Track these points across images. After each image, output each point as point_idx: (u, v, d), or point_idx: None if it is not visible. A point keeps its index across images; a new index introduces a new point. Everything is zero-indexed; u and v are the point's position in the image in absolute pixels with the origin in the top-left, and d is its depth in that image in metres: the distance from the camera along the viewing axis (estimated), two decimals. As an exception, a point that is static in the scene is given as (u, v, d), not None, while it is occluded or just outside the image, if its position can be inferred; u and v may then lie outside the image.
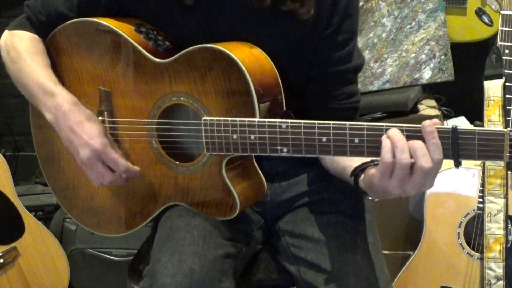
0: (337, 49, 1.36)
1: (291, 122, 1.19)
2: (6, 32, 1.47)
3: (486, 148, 1.08)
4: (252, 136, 1.22)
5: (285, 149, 1.21)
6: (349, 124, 1.15)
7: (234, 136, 1.24)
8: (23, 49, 1.41)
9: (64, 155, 1.48)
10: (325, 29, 1.34)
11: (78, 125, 1.33)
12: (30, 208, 2.30)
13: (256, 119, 1.22)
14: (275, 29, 1.34)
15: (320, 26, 1.34)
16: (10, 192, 2.19)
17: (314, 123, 1.17)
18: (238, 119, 1.23)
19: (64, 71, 1.44)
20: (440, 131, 1.09)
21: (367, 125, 1.14)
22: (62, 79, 1.43)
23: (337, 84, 1.39)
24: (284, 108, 1.31)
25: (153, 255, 1.33)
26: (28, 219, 2.22)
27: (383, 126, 1.13)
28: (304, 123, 1.18)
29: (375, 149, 1.14)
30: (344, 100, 1.39)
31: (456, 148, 1.09)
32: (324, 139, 1.17)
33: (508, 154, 1.07)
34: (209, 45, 1.26)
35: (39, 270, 2.23)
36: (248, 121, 1.22)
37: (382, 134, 1.12)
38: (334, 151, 1.17)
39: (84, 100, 1.40)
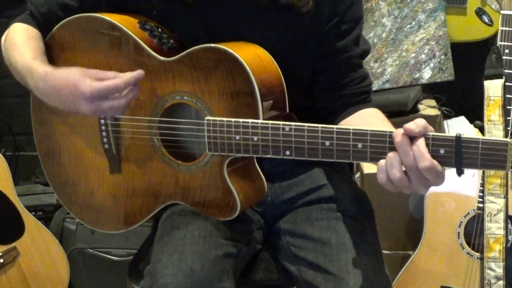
0: (343, 37, 1.37)
1: (294, 125, 1.19)
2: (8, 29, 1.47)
3: (489, 157, 1.07)
4: (255, 138, 1.22)
5: (287, 152, 1.20)
6: (353, 129, 1.15)
7: (237, 137, 1.24)
8: (17, 36, 1.40)
9: (65, 151, 1.48)
10: (329, 20, 1.35)
11: (59, 90, 1.28)
12: (30, 208, 2.30)
13: (260, 121, 1.22)
14: (276, 23, 1.35)
15: (322, 17, 1.35)
16: (10, 192, 2.19)
17: (318, 127, 1.17)
18: (241, 120, 1.23)
19: (67, 66, 1.44)
20: (444, 139, 1.09)
21: (370, 130, 1.14)
22: None
23: (348, 71, 1.39)
24: (287, 110, 1.31)
25: (153, 255, 1.33)
26: (28, 219, 2.22)
27: (386, 132, 1.13)
28: (307, 126, 1.18)
29: (378, 155, 1.14)
30: (357, 85, 1.40)
31: (459, 156, 1.08)
32: (327, 143, 1.17)
33: (511, 165, 1.07)
34: (213, 44, 1.26)
35: (39, 270, 2.23)
36: (251, 122, 1.22)
37: (386, 140, 1.13)
38: (337, 155, 1.17)
39: None
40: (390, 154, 1.12)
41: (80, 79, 1.26)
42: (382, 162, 1.13)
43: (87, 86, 1.25)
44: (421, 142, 1.09)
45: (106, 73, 1.29)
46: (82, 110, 1.27)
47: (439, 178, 1.11)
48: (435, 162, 1.09)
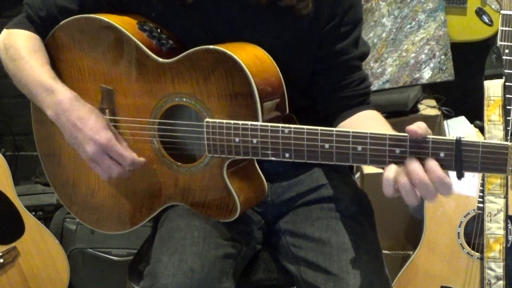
0: (342, 39, 1.37)
1: (294, 128, 1.19)
2: (4, 31, 1.46)
3: (489, 161, 1.07)
4: (254, 140, 1.22)
5: (287, 154, 1.20)
6: (352, 132, 1.15)
7: (236, 139, 1.24)
8: (22, 47, 1.41)
9: (65, 151, 1.48)
10: (328, 22, 1.35)
11: (80, 121, 1.32)
12: (30, 208, 2.30)
13: (259, 123, 1.22)
14: (275, 25, 1.35)
15: (322, 19, 1.34)
16: (10, 192, 2.19)
17: (317, 130, 1.17)
18: (240, 122, 1.23)
19: (66, 67, 1.44)
20: (444, 142, 1.09)
21: (370, 133, 1.14)
22: (64, 75, 1.43)
23: (347, 73, 1.40)
24: (287, 111, 1.31)
25: (153, 255, 1.33)
26: (28, 219, 2.22)
27: (386, 135, 1.13)
28: (307, 129, 1.18)
29: (377, 158, 1.14)
30: (356, 87, 1.40)
31: (459, 160, 1.08)
32: (326, 145, 1.17)
33: (511, 168, 1.07)
34: (212, 46, 1.26)
35: (39, 270, 2.23)
36: (251, 124, 1.22)
37: (385, 143, 1.12)
38: (337, 158, 1.17)
39: (85, 97, 1.39)
40: (403, 181, 1.10)
41: (104, 127, 1.32)
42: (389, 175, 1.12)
43: (106, 138, 1.31)
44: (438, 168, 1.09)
45: (122, 139, 1.36)
46: (86, 148, 1.32)
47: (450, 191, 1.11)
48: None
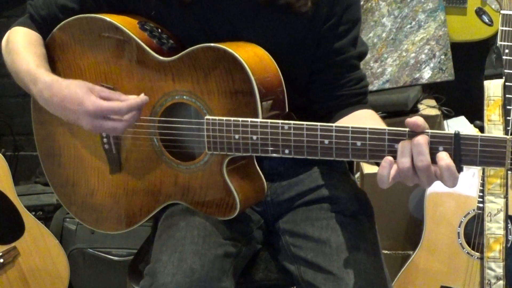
0: (340, 38, 1.37)
1: (293, 124, 1.19)
2: (8, 31, 1.47)
3: (488, 154, 1.08)
4: (254, 137, 1.22)
5: (286, 150, 1.21)
6: (352, 127, 1.15)
7: (236, 136, 1.24)
8: (19, 42, 1.41)
9: (65, 151, 1.49)
10: (326, 21, 1.35)
11: (64, 101, 1.30)
12: (30, 208, 2.29)
13: (259, 120, 1.22)
14: (274, 23, 1.35)
15: (320, 18, 1.35)
16: (10, 192, 2.19)
17: (317, 125, 1.17)
18: (240, 119, 1.23)
19: (67, 67, 1.44)
20: (442, 136, 1.09)
21: (369, 128, 1.14)
22: (64, 75, 1.43)
23: (345, 72, 1.40)
24: (287, 109, 1.31)
25: (153, 255, 1.33)
26: (28, 219, 2.22)
27: (385, 130, 1.13)
28: (306, 125, 1.18)
29: (377, 153, 1.14)
30: (354, 86, 1.40)
31: (458, 153, 1.09)
32: (326, 141, 1.17)
33: (509, 161, 1.07)
34: (213, 44, 1.27)
35: (39, 270, 2.23)
36: (251, 121, 1.22)
37: (385, 138, 1.12)
38: (336, 154, 1.17)
39: None
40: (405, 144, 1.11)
41: (85, 94, 1.29)
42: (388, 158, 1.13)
43: (91, 103, 1.27)
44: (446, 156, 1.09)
45: (111, 92, 1.32)
46: (82, 124, 1.29)
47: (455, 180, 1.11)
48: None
